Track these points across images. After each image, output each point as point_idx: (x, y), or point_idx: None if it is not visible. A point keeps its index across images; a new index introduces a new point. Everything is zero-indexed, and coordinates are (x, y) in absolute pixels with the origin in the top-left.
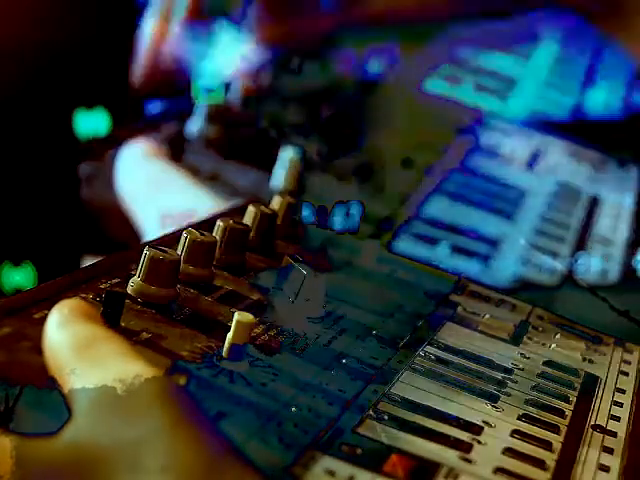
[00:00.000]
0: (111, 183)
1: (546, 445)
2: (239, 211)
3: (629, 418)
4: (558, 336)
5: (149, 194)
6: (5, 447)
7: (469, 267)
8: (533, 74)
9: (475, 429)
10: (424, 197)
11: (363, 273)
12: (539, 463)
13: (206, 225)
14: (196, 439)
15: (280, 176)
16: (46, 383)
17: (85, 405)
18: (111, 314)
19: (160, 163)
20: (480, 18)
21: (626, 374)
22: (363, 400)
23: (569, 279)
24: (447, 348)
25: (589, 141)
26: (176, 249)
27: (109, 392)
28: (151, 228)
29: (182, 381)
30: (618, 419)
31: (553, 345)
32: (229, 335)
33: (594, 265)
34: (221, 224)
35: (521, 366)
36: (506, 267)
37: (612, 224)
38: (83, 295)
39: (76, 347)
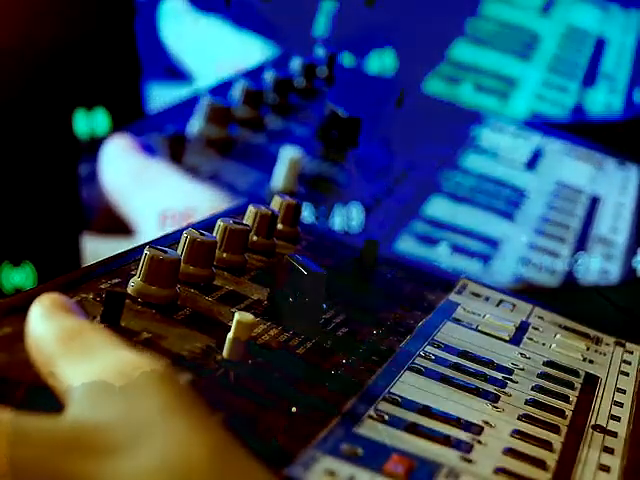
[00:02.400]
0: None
1: (546, 445)
2: (239, 211)
3: (629, 418)
4: (558, 336)
5: (135, 187)
6: (3, 421)
7: (469, 267)
8: (533, 74)
9: (475, 429)
10: (425, 197)
11: (363, 273)
12: (539, 463)
13: (206, 225)
14: (199, 422)
15: (280, 176)
16: (46, 383)
17: (81, 393)
18: (111, 314)
19: (141, 157)
20: None
21: (626, 374)
22: (363, 400)
23: (569, 279)
24: (447, 348)
25: (589, 141)
26: (176, 249)
27: (105, 378)
28: (141, 220)
29: (183, 379)
30: (618, 419)
31: (553, 345)
32: (229, 335)
33: (594, 265)
34: (221, 224)
35: (521, 366)
36: (506, 267)
37: (612, 224)
38: (83, 295)
39: (63, 338)
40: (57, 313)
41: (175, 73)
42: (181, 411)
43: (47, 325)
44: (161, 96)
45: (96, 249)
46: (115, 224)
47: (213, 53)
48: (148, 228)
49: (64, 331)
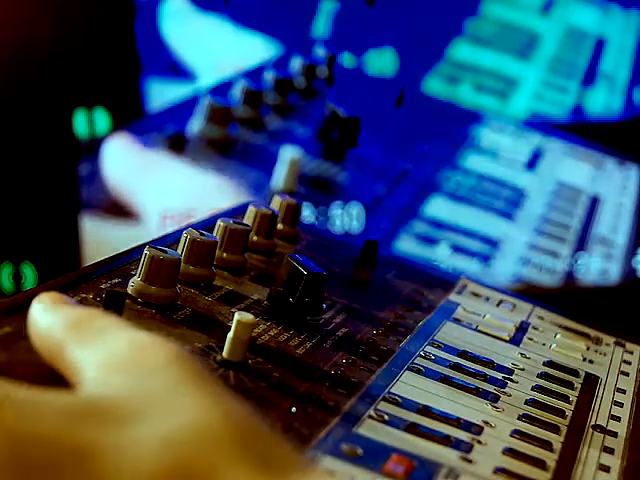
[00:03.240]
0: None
1: (546, 445)
2: (239, 211)
3: (629, 418)
4: (558, 336)
5: (137, 183)
6: (10, 395)
7: (469, 267)
8: (533, 74)
9: (475, 429)
10: (425, 197)
11: (363, 273)
12: (539, 463)
13: (206, 225)
14: (220, 393)
15: (280, 176)
16: (46, 382)
17: (94, 371)
18: (111, 314)
19: (144, 152)
20: None
21: (626, 374)
22: (363, 400)
23: (570, 279)
24: (447, 348)
25: (589, 141)
26: (176, 249)
27: (119, 356)
28: (145, 216)
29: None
30: (618, 419)
31: (553, 345)
32: (229, 335)
33: (594, 265)
34: (221, 224)
35: (521, 366)
36: (506, 267)
37: (612, 224)
38: (83, 295)
39: (71, 324)
40: (60, 305)
41: (177, 71)
42: (200, 382)
43: (53, 316)
44: (163, 93)
45: (97, 234)
46: (118, 214)
47: (215, 51)
48: (151, 223)
49: (71, 318)
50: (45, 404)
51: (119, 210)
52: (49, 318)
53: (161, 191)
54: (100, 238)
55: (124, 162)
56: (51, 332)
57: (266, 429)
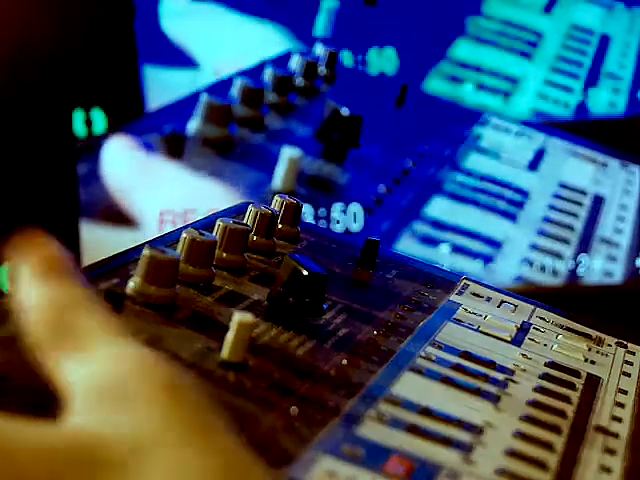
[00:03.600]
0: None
1: (548, 446)
2: (239, 211)
3: (631, 419)
4: (560, 337)
5: (137, 184)
6: None
7: (471, 268)
8: (536, 73)
9: (476, 430)
10: (426, 198)
11: (363, 273)
12: (541, 464)
13: (206, 225)
14: (211, 440)
15: (280, 176)
16: (45, 384)
17: (80, 393)
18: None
19: (143, 155)
20: None
21: (628, 375)
22: (364, 401)
23: (572, 280)
24: (448, 349)
25: (592, 141)
26: (176, 249)
27: (105, 377)
28: (143, 217)
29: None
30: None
31: (555, 346)
32: (229, 335)
33: (597, 266)
34: (221, 224)
35: (523, 367)
36: (509, 268)
37: (615, 225)
38: None
39: (52, 326)
40: (49, 279)
41: (179, 58)
42: (190, 425)
43: (38, 298)
44: (162, 79)
45: (96, 239)
46: (117, 218)
47: (217, 41)
48: (149, 224)
49: (56, 310)
50: (26, 442)
51: (117, 212)
52: (34, 299)
53: (159, 191)
54: (98, 243)
55: (123, 163)
56: (34, 327)
57: (254, 460)
